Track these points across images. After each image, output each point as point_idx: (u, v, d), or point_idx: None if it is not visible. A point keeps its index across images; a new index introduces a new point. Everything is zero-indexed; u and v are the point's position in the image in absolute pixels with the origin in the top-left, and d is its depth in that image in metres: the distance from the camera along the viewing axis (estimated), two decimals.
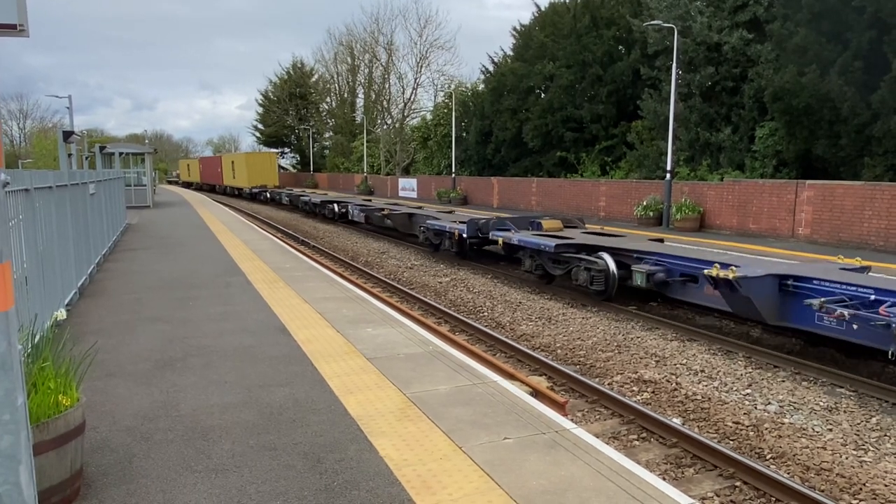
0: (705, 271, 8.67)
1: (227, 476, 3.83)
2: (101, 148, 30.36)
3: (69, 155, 22.58)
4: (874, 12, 15.73)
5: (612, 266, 10.82)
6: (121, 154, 30.45)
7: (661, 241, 12.85)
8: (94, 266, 11.11)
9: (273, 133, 65.30)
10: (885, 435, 6.09)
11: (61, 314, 4.49)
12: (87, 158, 32.99)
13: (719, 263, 8.74)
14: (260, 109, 68.36)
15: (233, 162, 52.48)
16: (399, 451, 4.13)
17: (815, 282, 7.92)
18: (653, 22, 21.77)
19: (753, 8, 21.36)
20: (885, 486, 5.18)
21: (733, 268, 8.37)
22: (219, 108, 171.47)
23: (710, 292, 9.11)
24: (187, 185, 71.52)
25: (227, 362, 5.99)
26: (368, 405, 4.91)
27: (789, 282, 8.18)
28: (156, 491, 3.66)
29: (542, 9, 33.73)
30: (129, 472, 3.87)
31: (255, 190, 44.65)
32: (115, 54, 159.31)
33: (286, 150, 70.46)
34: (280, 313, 7.96)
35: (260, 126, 68.86)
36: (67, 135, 22.86)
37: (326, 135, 64.81)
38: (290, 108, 62.90)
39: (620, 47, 28.42)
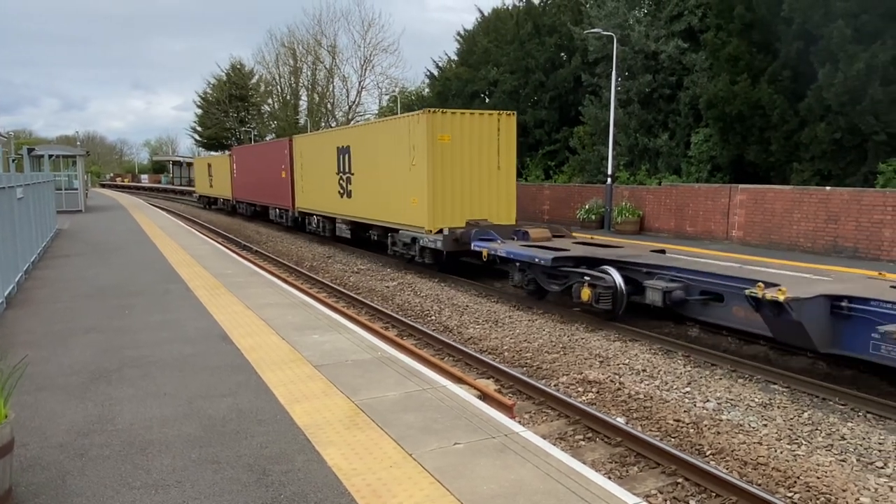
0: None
1: (168, 492, 3.69)
2: (30, 150, 29.00)
3: None
4: (801, 23, 16.47)
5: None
6: (51, 156, 29.16)
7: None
8: (22, 274, 10.58)
9: (212, 135, 63.62)
10: (817, 429, 6.37)
11: None
12: (13, 161, 31.42)
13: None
14: (198, 111, 66.65)
15: (346, 149, 18.52)
16: (348, 460, 4.07)
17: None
18: (593, 30, 22.22)
19: (688, 18, 22.09)
20: (818, 478, 5.41)
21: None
22: (154, 109, 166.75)
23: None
24: (209, 202, 43.01)
25: (166, 373, 5.79)
26: (316, 414, 4.82)
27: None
28: None
29: (486, 14, 34.05)
30: (63, 491, 3.69)
31: (480, 245, 12.54)
32: (42, 51, 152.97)
33: (226, 152, 68.32)
34: (222, 321, 7.75)
35: (198, 128, 67.10)
36: None
37: (268, 137, 63.67)
38: (230, 109, 61.49)
39: (562, 54, 28.91)
